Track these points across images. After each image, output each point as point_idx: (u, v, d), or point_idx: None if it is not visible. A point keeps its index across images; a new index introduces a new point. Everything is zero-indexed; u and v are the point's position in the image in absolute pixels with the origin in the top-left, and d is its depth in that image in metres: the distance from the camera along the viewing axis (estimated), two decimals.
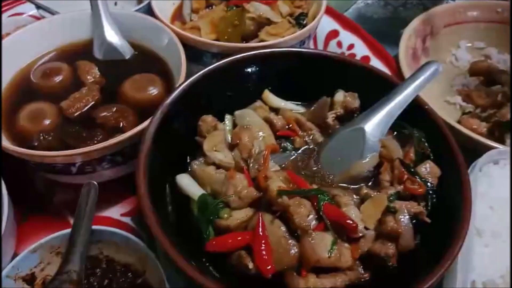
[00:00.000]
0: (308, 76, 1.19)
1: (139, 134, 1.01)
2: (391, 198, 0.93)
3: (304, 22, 1.51)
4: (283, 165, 1.05)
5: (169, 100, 1.03)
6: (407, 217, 0.89)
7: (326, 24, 1.67)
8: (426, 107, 1.08)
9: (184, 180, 0.99)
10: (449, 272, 0.94)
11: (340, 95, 1.14)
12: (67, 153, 1.01)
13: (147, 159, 0.92)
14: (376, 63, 1.52)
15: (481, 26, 1.70)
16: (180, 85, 1.07)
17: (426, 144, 1.04)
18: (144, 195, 0.87)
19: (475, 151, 1.13)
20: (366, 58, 1.54)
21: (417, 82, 1.08)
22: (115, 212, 1.23)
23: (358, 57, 1.55)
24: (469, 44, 1.69)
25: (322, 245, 0.84)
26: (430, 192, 0.96)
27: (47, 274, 1.01)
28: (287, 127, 1.12)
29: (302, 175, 1.04)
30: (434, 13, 1.64)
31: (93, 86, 1.26)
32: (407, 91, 1.06)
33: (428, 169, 0.99)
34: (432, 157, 1.03)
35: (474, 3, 1.72)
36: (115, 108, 1.18)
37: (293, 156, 1.08)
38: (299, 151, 1.09)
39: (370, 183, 1.03)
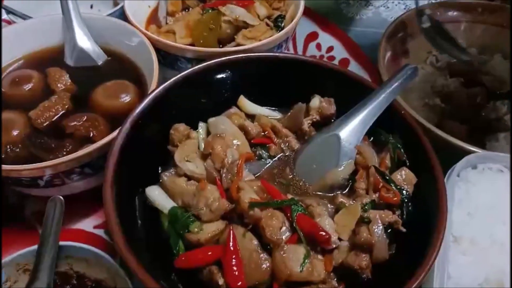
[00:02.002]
0: (285, 80, 1.17)
1: (109, 145, 0.98)
2: (365, 207, 0.92)
3: (282, 24, 1.48)
4: (258, 174, 1.03)
5: (139, 109, 1.00)
6: (381, 227, 0.87)
7: (305, 26, 1.65)
8: (403, 112, 1.06)
9: (154, 193, 0.96)
10: (425, 282, 0.92)
11: (316, 101, 1.12)
12: (32, 166, 0.97)
13: (115, 172, 0.89)
14: (355, 65, 1.50)
15: (461, 26, 1.68)
16: (151, 93, 1.04)
17: (402, 150, 1.03)
18: (110, 210, 0.84)
19: (454, 155, 1.12)
20: (345, 61, 1.52)
21: (393, 86, 1.06)
22: (87, 224, 1.20)
23: (337, 60, 1.53)
24: None
25: (294, 258, 0.82)
26: (406, 200, 0.95)
27: None
28: (262, 134, 1.10)
29: (278, 183, 1.02)
30: (414, 13, 1.61)
31: (63, 94, 1.22)
32: (383, 96, 1.05)
33: (404, 176, 0.97)
34: (408, 164, 1.01)
35: (454, 3, 1.69)
36: (85, 117, 1.15)
37: (269, 164, 1.06)
38: (275, 159, 1.07)
39: (346, 191, 1.01)
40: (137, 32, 1.29)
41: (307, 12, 1.63)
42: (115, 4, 1.71)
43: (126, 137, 0.95)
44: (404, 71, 1.11)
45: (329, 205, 0.95)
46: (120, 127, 0.96)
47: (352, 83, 1.12)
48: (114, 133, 1.00)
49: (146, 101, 1.02)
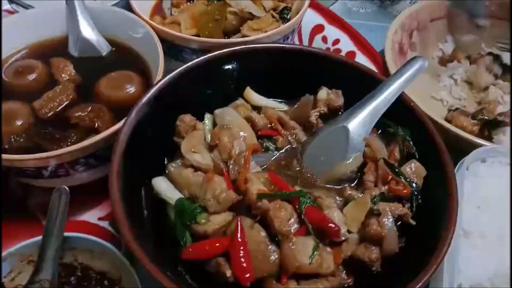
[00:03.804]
0: (291, 72, 1.15)
1: (114, 135, 0.97)
2: (374, 199, 0.90)
3: (288, 16, 1.47)
4: (265, 166, 1.02)
5: (144, 99, 0.99)
6: (391, 220, 0.86)
7: (311, 18, 1.63)
8: (412, 104, 1.05)
9: (161, 184, 0.95)
10: (435, 276, 0.91)
11: (323, 93, 1.11)
12: (37, 156, 0.96)
13: (121, 162, 0.88)
14: (362, 58, 1.48)
15: None
16: (156, 84, 1.03)
17: (411, 143, 1.02)
18: (117, 201, 0.83)
19: (463, 149, 1.11)
20: (351, 54, 1.51)
21: (402, 78, 1.05)
22: (92, 216, 1.18)
23: (343, 53, 1.52)
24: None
25: (303, 250, 0.81)
26: (415, 193, 0.94)
27: (18, 284, 0.97)
28: (269, 126, 1.08)
29: (285, 175, 1.01)
30: (421, 7, 1.60)
31: (67, 84, 1.21)
32: (392, 88, 1.03)
33: (413, 169, 0.96)
34: (417, 156, 1.00)
35: None
36: (90, 108, 1.13)
37: (276, 156, 1.04)
38: (282, 151, 1.06)
39: (354, 183, 1.00)
40: (142, 23, 1.28)
41: (313, 5, 1.62)
42: None
43: (132, 127, 0.94)
44: (413, 63, 1.09)
45: (337, 197, 0.94)
46: (125, 118, 0.95)
47: (360, 74, 1.11)
48: (120, 124, 0.99)
49: (151, 91, 1.01)
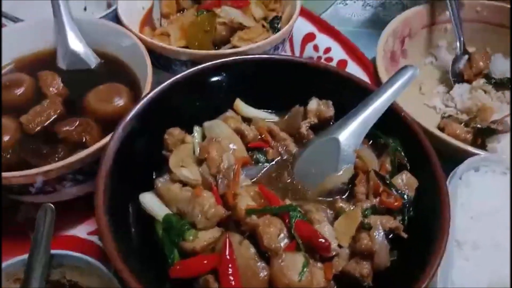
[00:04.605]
0: (282, 83, 1.14)
1: (101, 150, 0.95)
2: (366, 212, 0.89)
3: (279, 26, 1.46)
4: (256, 179, 1.00)
5: (132, 113, 0.98)
6: (382, 233, 0.84)
7: (303, 27, 1.62)
8: (402, 114, 1.03)
9: (148, 199, 0.94)
10: None
11: (313, 104, 1.09)
12: (22, 173, 0.95)
13: (107, 179, 0.87)
14: (353, 67, 1.47)
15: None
16: (144, 97, 1.02)
17: (402, 153, 1.00)
18: (102, 217, 0.81)
19: (456, 157, 1.09)
20: (343, 62, 1.50)
21: (393, 88, 1.04)
22: (81, 230, 1.16)
23: (335, 61, 1.51)
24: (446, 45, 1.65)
25: (293, 267, 0.79)
26: (407, 205, 0.92)
27: None
28: (259, 137, 1.07)
29: (276, 188, 0.99)
30: (412, 13, 1.59)
31: (55, 98, 1.19)
32: (383, 98, 1.02)
33: (405, 180, 0.95)
34: (409, 167, 0.99)
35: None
36: (78, 122, 1.12)
37: (266, 169, 1.03)
38: (273, 163, 1.04)
39: (345, 195, 0.98)
40: (130, 35, 1.27)
41: (304, 13, 1.61)
42: (109, 5, 1.68)
43: (119, 142, 0.93)
44: (404, 72, 1.08)
45: (328, 210, 0.93)
46: (112, 133, 0.94)
47: (350, 84, 1.10)
48: (106, 139, 0.97)
49: (139, 105, 0.99)
